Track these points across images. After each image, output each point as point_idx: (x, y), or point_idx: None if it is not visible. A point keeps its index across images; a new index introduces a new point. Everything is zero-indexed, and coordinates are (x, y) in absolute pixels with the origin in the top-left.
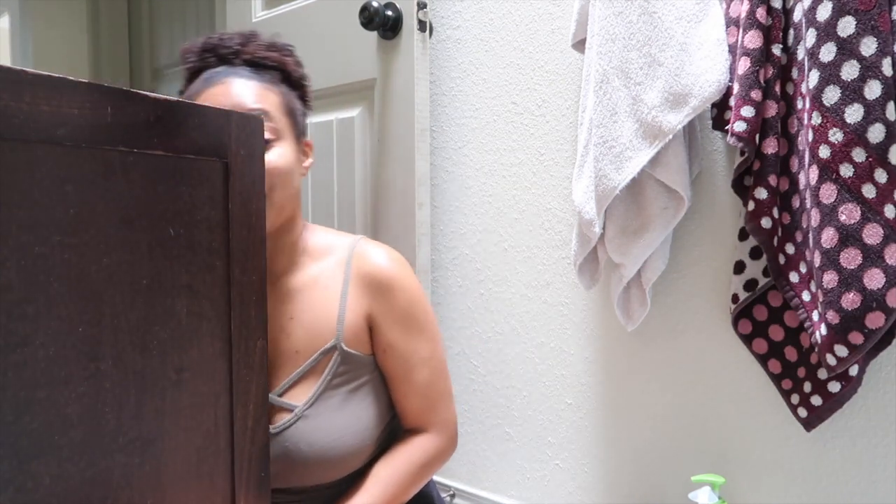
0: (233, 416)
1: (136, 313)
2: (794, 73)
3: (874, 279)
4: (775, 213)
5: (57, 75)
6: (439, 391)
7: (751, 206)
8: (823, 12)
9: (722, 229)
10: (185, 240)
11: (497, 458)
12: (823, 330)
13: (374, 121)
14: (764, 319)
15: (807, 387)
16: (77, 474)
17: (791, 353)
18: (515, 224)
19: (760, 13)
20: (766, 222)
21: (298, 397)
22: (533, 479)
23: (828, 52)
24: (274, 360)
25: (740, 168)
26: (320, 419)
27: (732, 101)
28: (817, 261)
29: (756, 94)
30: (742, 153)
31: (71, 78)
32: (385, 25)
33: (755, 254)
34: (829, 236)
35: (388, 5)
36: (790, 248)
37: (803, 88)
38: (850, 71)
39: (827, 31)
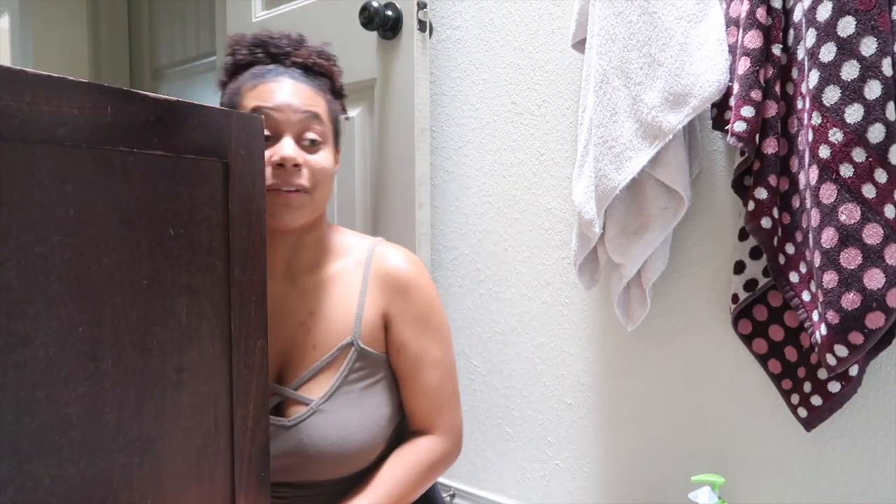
0: (233, 416)
1: (136, 313)
2: (794, 73)
3: (874, 279)
4: (775, 213)
5: (57, 75)
6: (447, 395)
7: (751, 206)
8: (823, 12)
9: (722, 229)
10: (185, 240)
11: (497, 458)
12: (823, 330)
13: (374, 121)
14: (764, 319)
15: (807, 387)
16: (77, 474)
17: (791, 353)
18: (515, 224)
19: (760, 13)
20: (766, 222)
21: (314, 391)
22: (533, 479)
23: (828, 52)
24: (291, 353)
25: (740, 168)
26: (336, 414)
27: (732, 101)
28: (817, 261)
29: (756, 94)
30: (742, 153)
31: (71, 78)
32: (385, 25)
33: (755, 254)
34: (829, 236)
35: (388, 5)
36: (790, 248)
37: (803, 88)
38: (850, 71)
39: (827, 31)
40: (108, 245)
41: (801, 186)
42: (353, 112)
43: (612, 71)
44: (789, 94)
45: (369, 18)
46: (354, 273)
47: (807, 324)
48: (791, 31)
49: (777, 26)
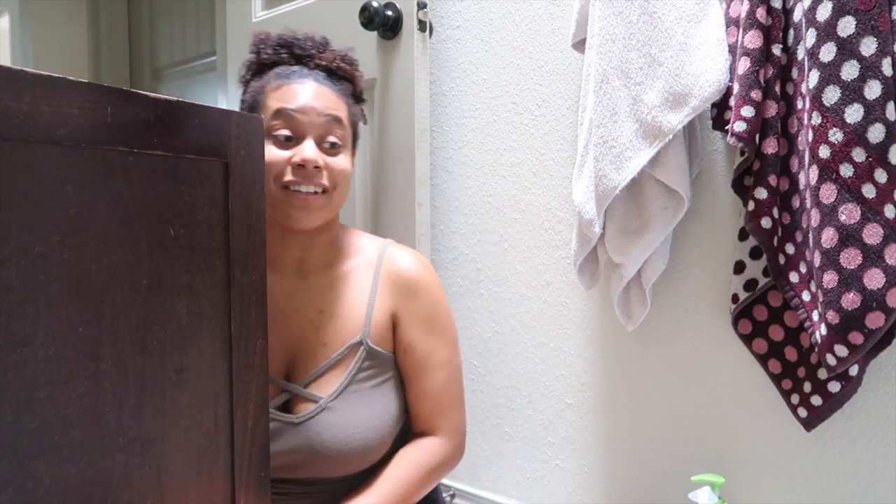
0: (233, 416)
1: (136, 313)
2: (794, 73)
3: (874, 279)
4: (775, 213)
5: (57, 75)
6: (453, 397)
7: (751, 206)
8: (823, 12)
9: (722, 229)
10: (185, 240)
11: (497, 458)
12: (823, 330)
13: (374, 121)
14: (764, 319)
15: (807, 387)
16: (77, 474)
17: (791, 353)
18: (515, 224)
19: (760, 13)
20: (766, 222)
21: (323, 389)
22: (533, 479)
23: (828, 52)
24: (301, 350)
25: (740, 168)
26: (344, 412)
27: (732, 101)
28: (817, 261)
29: (756, 94)
30: (742, 153)
31: (71, 78)
32: (385, 25)
33: (755, 254)
34: (829, 236)
35: (388, 5)
36: (790, 248)
37: (803, 88)
38: (850, 71)
39: (827, 31)
40: (108, 245)
41: (801, 186)
42: None
43: (612, 71)
44: (789, 94)
45: (369, 18)
46: (365, 273)
47: (807, 324)
48: (791, 31)
49: (777, 26)
